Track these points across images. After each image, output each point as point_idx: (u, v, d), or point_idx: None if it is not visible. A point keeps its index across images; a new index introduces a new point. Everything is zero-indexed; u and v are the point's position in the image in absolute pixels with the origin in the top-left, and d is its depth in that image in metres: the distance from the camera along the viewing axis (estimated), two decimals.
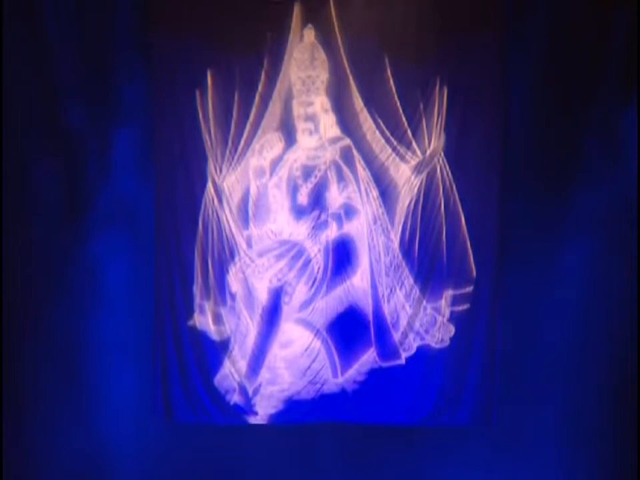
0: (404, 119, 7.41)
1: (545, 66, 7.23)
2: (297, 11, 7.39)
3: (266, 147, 7.51)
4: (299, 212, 7.52)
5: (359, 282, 7.52)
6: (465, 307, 7.46)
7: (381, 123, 7.42)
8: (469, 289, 7.46)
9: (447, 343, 7.47)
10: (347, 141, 7.49)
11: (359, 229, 7.51)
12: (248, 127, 7.48)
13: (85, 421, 7.56)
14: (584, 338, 7.39)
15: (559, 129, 7.30)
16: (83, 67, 7.36)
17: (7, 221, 7.34)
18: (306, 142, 7.50)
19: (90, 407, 7.56)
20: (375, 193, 7.49)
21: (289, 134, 7.50)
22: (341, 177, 7.51)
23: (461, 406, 7.47)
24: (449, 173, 7.44)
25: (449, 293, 7.47)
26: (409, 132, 7.42)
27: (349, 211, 7.52)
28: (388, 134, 7.44)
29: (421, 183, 7.46)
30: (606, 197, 7.32)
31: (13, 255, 7.37)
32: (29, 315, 7.44)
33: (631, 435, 7.22)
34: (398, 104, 7.39)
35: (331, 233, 7.51)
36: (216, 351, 7.50)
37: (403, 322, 7.48)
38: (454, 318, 7.47)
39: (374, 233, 7.50)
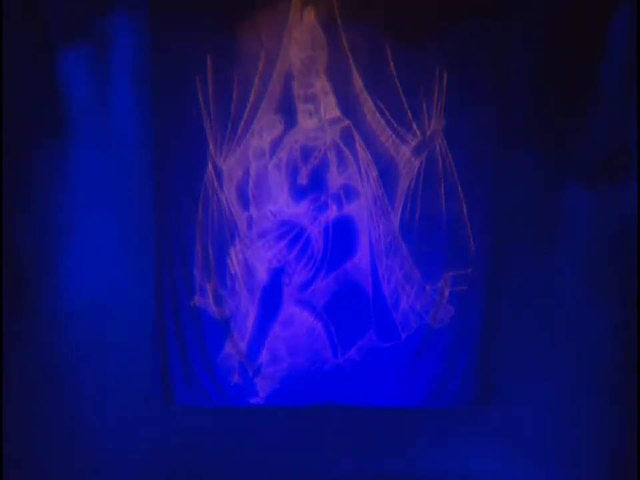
0: (404, 100, 7.43)
1: (544, 50, 7.24)
2: None
3: (265, 128, 7.52)
4: (298, 193, 7.54)
5: (359, 263, 7.56)
6: (465, 288, 7.52)
7: (381, 105, 7.44)
8: (469, 270, 7.52)
9: (446, 323, 7.54)
10: (347, 123, 7.50)
11: (359, 210, 7.55)
12: (247, 108, 7.47)
13: (83, 404, 7.50)
14: (583, 319, 7.44)
15: (556, 112, 7.31)
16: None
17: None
18: (306, 123, 7.51)
19: (88, 390, 7.50)
20: (374, 174, 7.53)
21: (288, 115, 7.50)
22: (341, 159, 7.53)
23: (460, 386, 7.54)
24: (449, 155, 7.49)
25: (448, 274, 7.53)
26: (409, 113, 7.44)
27: (348, 192, 7.55)
28: (388, 115, 7.47)
29: (421, 165, 7.50)
30: (604, 179, 7.36)
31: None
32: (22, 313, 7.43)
33: (630, 415, 7.29)
34: (398, 85, 7.41)
35: (331, 214, 7.54)
36: (216, 332, 7.52)
37: (403, 303, 7.53)
38: (453, 299, 7.53)
39: (374, 214, 7.54)
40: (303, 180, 7.53)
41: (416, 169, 7.49)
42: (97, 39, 7.30)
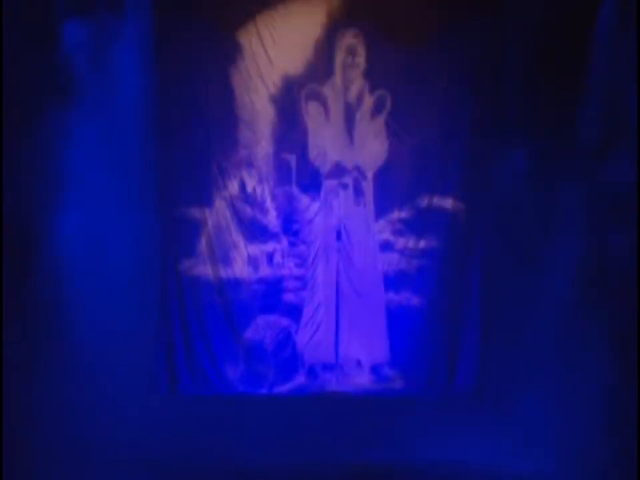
0: (403, 100, 7.72)
1: (537, 47, 7.39)
2: None
3: (268, 129, 7.72)
4: (300, 190, 7.81)
5: (359, 257, 7.83)
6: (461, 280, 7.79)
7: (380, 105, 7.75)
8: (466, 264, 7.79)
9: (444, 315, 7.80)
10: (347, 122, 7.79)
11: (359, 207, 7.83)
12: (250, 109, 7.71)
13: (88, 394, 7.48)
14: (577, 315, 7.50)
15: (552, 110, 7.46)
16: None
17: None
18: (307, 123, 7.77)
19: (93, 380, 7.49)
20: (373, 172, 7.82)
21: (291, 116, 7.75)
22: (341, 157, 7.81)
23: (457, 376, 7.81)
24: (446, 153, 7.75)
25: (446, 267, 7.79)
26: (407, 113, 7.73)
27: (349, 190, 7.81)
28: (386, 115, 7.76)
29: (419, 163, 7.78)
30: (596, 173, 7.43)
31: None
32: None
33: (623, 404, 7.23)
34: (397, 85, 7.72)
35: (332, 210, 7.81)
36: (220, 323, 7.73)
37: (402, 295, 7.80)
38: (452, 291, 7.80)
39: (373, 211, 7.82)
40: (304, 178, 7.78)
41: (413, 167, 7.77)
42: (102, 16, 7.36)
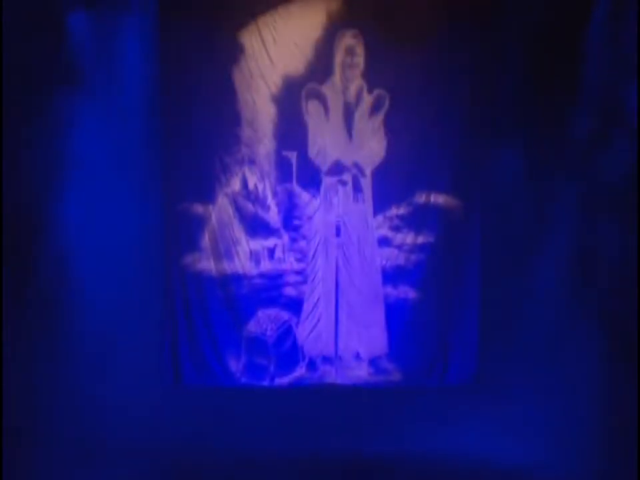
0: (402, 99, 7.86)
1: (538, 51, 7.51)
2: None
3: (270, 127, 7.87)
4: (301, 186, 7.96)
5: (359, 252, 8.00)
6: (458, 274, 7.96)
7: (378, 104, 7.90)
8: (462, 259, 7.96)
9: (441, 308, 7.97)
10: (347, 121, 7.94)
11: (358, 203, 7.99)
12: (253, 109, 7.85)
13: (93, 386, 7.62)
14: (571, 310, 7.66)
15: (550, 109, 7.58)
16: None
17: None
18: (308, 122, 7.91)
19: (98, 373, 7.66)
20: (371, 169, 7.97)
21: (292, 115, 7.89)
22: (341, 155, 7.97)
23: (452, 367, 7.99)
24: (442, 152, 7.88)
25: (442, 261, 7.95)
26: (404, 112, 7.86)
27: (348, 187, 7.98)
28: (383, 115, 7.91)
29: (415, 162, 7.92)
30: (587, 169, 7.61)
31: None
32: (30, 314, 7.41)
33: (621, 389, 7.36)
34: (394, 86, 7.85)
35: (332, 206, 7.97)
36: (222, 316, 7.90)
37: (400, 289, 7.97)
38: (447, 283, 7.96)
39: (372, 207, 7.97)
40: (305, 175, 7.93)
41: (411, 164, 7.90)
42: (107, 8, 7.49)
